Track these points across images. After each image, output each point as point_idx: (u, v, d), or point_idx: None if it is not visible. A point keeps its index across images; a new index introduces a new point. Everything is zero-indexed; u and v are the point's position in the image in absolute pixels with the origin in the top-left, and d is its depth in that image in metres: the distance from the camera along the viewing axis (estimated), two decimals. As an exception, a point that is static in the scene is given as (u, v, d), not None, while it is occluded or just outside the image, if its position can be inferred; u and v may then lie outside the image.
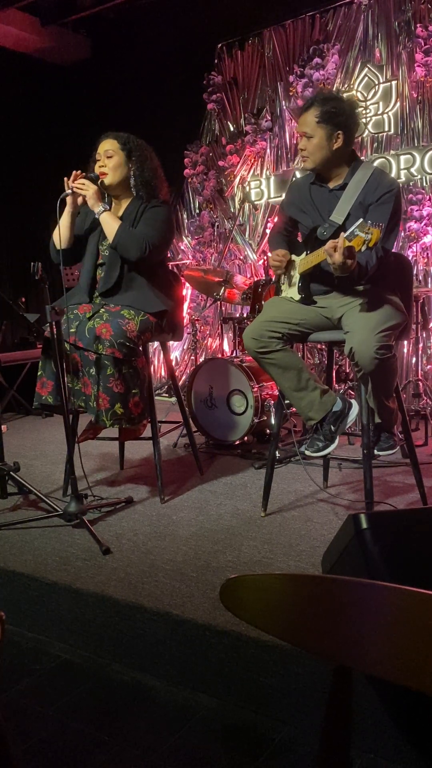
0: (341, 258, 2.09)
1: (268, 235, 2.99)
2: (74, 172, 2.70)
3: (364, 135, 4.81)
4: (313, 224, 2.46)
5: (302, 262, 2.46)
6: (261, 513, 2.60)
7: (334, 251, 2.10)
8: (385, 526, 1.42)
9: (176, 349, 5.80)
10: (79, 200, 2.75)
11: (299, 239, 2.64)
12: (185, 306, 5.35)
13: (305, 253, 2.46)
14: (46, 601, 2.10)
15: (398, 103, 4.68)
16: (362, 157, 4.64)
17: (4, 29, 5.59)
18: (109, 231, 2.70)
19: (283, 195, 2.77)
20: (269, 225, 5.28)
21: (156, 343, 3.41)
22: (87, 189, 2.67)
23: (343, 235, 2.09)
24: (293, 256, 2.56)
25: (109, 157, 2.74)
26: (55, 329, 2.41)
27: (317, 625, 0.77)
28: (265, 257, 5.14)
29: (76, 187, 2.68)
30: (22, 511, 2.77)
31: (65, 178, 2.71)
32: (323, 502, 2.74)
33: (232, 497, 2.86)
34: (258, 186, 5.44)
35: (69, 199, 2.75)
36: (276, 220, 2.77)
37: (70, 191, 2.69)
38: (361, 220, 2.06)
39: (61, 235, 2.80)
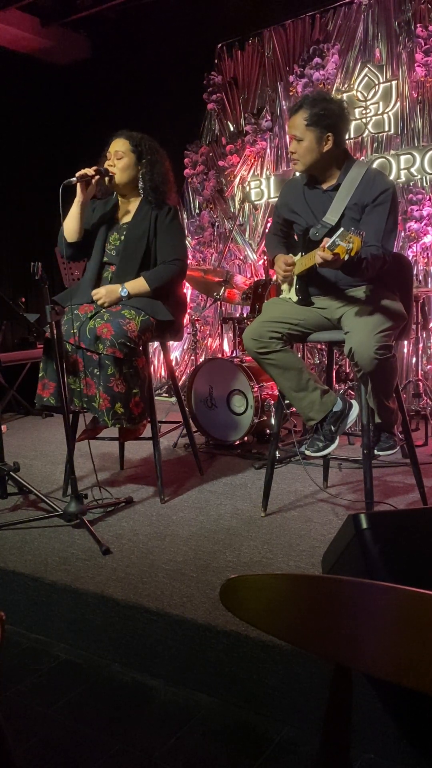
0: (326, 263, 2.10)
1: (265, 237, 2.98)
2: (93, 168, 2.70)
3: (364, 135, 4.81)
4: (306, 225, 2.46)
5: (298, 263, 2.46)
6: (261, 513, 2.60)
7: (321, 259, 2.11)
8: (385, 526, 1.42)
9: (176, 349, 5.80)
10: (89, 189, 2.74)
11: (296, 238, 2.64)
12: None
13: (300, 254, 2.46)
14: (46, 601, 2.10)
15: (398, 103, 4.68)
16: (362, 158, 4.69)
17: (4, 29, 5.59)
18: (145, 291, 2.71)
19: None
20: (269, 225, 5.28)
21: (156, 343, 3.41)
22: (104, 298, 2.69)
23: (325, 244, 2.07)
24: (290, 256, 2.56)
25: (119, 158, 2.75)
26: (55, 329, 2.41)
27: (317, 625, 0.77)
28: (265, 257, 5.14)
29: (96, 299, 2.69)
30: (22, 511, 2.77)
31: (86, 169, 2.68)
32: (323, 502, 2.74)
33: (232, 497, 2.86)
34: (258, 186, 5.44)
35: (78, 189, 2.72)
36: (271, 221, 2.77)
37: (74, 179, 2.66)
38: (342, 229, 2.04)
39: (70, 227, 2.80)
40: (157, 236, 2.77)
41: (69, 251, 2.85)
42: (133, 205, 2.83)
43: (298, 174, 2.60)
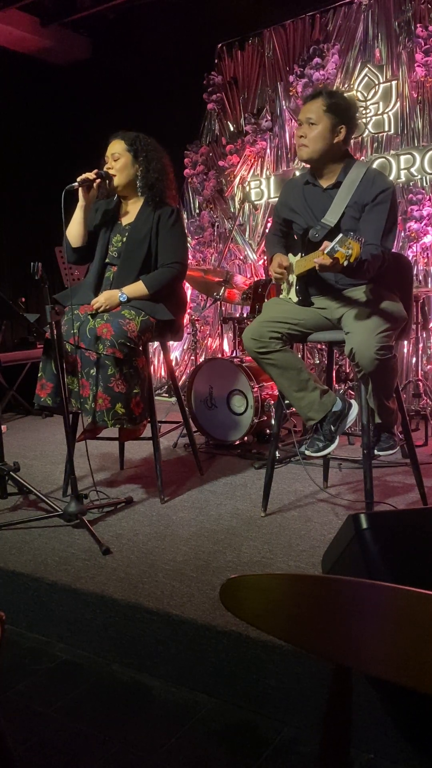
0: (325, 268, 2.11)
1: (265, 237, 2.97)
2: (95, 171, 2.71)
3: (364, 135, 4.81)
4: (306, 225, 2.46)
5: (297, 264, 2.46)
6: (261, 513, 2.60)
7: (318, 266, 2.12)
8: (385, 526, 1.42)
9: (176, 349, 5.80)
10: (91, 193, 2.75)
11: (295, 238, 2.64)
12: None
13: (300, 254, 2.46)
14: (46, 601, 2.10)
15: (398, 103, 4.68)
16: (362, 158, 4.69)
17: (4, 29, 5.58)
18: (143, 295, 2.71)
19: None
20: (269, 225, 5.28)
21: (156, 343, 3.41)
22: (104, 305, 2.67)
23: (324, 250, 2.06)
24: (290, 256, 2.56)
25: (117, 159, 2.76)
26: (55, 329, 2.41)
27: (317, 625, 0.77)
28: (265, 257, 5.13)
29: (96, 308, 2.67)
30: (22, 511, 2.77)
31: (88, 173, 2.69)
32: (323, 502, 2.74)
33: (232, 497, 2.86)
34: (258, 186, 5.44)
35: (80, 193, 2.73)
36: (271, 221, 2.77)
37: (76, 183, 2.67)
38: (341, 235, 2.03)
39: (74, 232, 2.81)
40: (159, 238, 2.77)
41: (74, 256, 2.88)
42: (135, 206, 2.83)
43: (298, 174, 2.60)
